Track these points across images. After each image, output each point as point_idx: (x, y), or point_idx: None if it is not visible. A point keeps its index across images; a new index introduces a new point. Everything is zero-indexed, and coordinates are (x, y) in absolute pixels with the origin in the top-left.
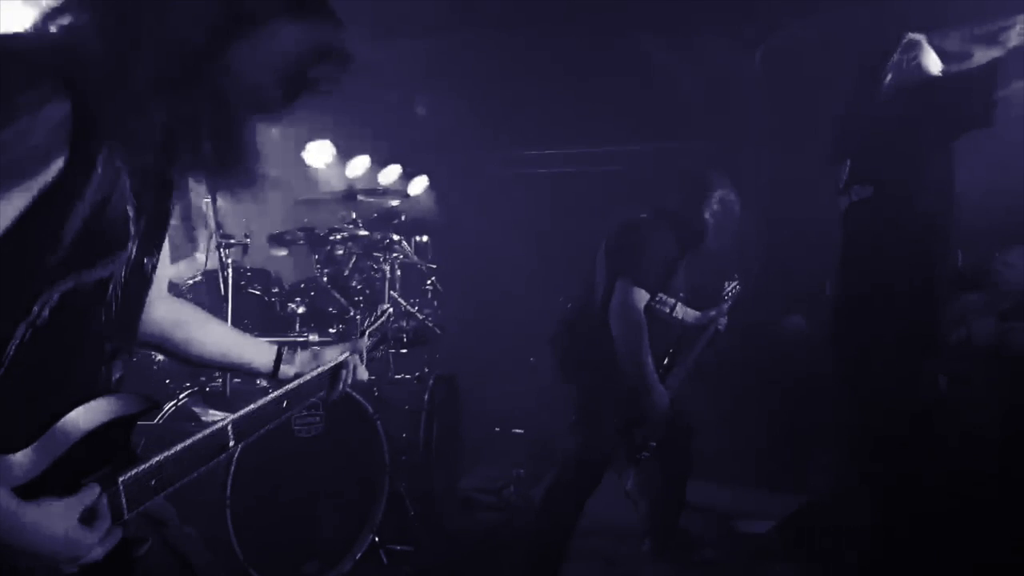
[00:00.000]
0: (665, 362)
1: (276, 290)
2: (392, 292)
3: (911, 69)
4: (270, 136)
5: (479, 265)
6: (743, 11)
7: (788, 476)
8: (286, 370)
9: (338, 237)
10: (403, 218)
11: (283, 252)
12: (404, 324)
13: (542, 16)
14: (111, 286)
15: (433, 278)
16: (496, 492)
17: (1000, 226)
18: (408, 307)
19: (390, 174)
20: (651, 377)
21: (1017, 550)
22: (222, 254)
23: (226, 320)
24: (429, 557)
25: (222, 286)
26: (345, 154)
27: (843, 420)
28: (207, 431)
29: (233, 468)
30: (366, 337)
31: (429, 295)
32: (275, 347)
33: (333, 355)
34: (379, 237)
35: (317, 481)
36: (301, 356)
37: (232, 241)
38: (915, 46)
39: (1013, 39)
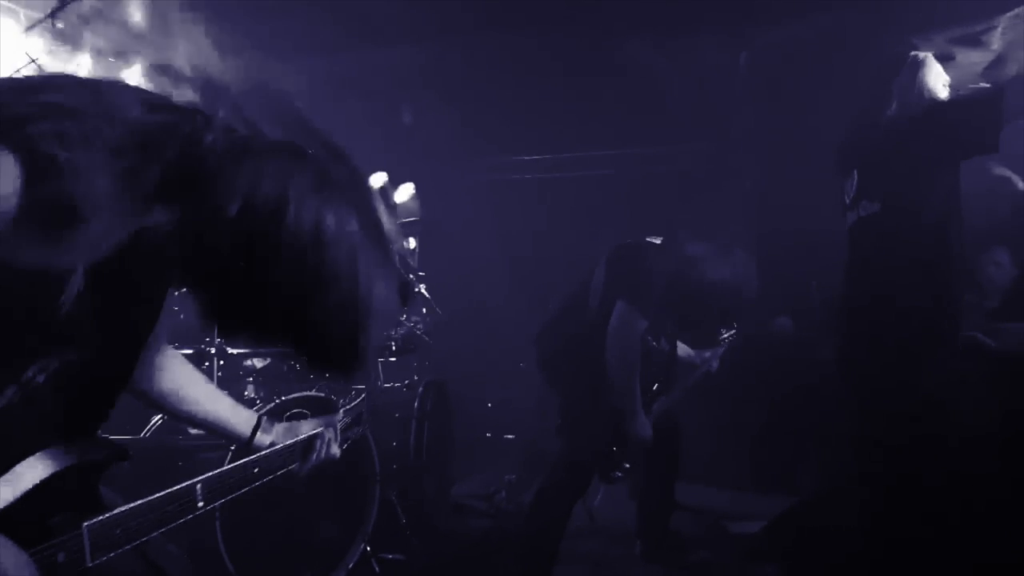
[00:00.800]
0: (654, 389)
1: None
2: None
3: (917, 88)
4: None
5: (468, 271)
6: (733, 13)
7: (779, 477)
8: (262, 439)
9: None
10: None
11: None
12: (393, 332)
13: (529, 20)
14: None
15: (422, 285)
16: (487, 498)
17: (981, 226)
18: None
19: (375, 181)
20: (636, 403)
21: (1013, 550)
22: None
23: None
24: (421, 565)
25: None
26: None
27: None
28: (175, 489)
29: (230, 453)
30: (341, 414)
31: (417, 303)
32: (255, 416)
33: (308, 429)
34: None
35: (307, 491)
36: (278, 427)
37: None
38: (921, 64)
39: (995, 41)
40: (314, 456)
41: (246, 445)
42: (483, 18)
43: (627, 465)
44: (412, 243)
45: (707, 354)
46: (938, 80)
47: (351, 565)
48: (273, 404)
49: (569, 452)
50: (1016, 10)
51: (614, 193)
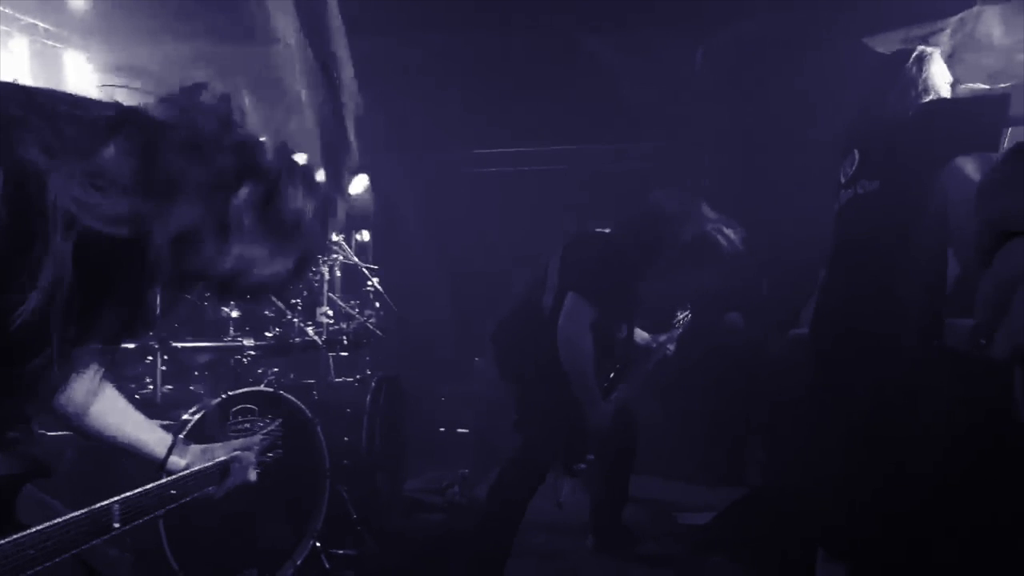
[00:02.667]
0: (611, 378)
1: (208, 293)
2: (331, 294)
3: (924, 80)
4: None
5: (423, 265)
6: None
7: (729, 470)
8: (176, 461)
9: None
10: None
11: None
12: (344, 326)
13: (488, 15)
14: None
15: (376, 279)
16: (441, 492)
17: None
18: (348, 309)
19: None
20: (594, 392)
21: (965, 543)
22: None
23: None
24: (373, 560)
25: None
26: None
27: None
28: (91, 509)
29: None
30: (258, 437)
31: (371, 296)
32: (169, 437)
33: (224, 453)
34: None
35: (255, 488)
36: (193, 449)
37: None
38: (927, 59)
39: (943, 42)
40: (230, 480)
41: (159, 467)
42: (441, 11)
43: (590, 456)
44: (366, 236)
45: (663, 338)
46: (943, 76)
47: (300, 562)
48: (219, 400)
49: (526, 447)
50: (961, 13)
51: (570, 189)
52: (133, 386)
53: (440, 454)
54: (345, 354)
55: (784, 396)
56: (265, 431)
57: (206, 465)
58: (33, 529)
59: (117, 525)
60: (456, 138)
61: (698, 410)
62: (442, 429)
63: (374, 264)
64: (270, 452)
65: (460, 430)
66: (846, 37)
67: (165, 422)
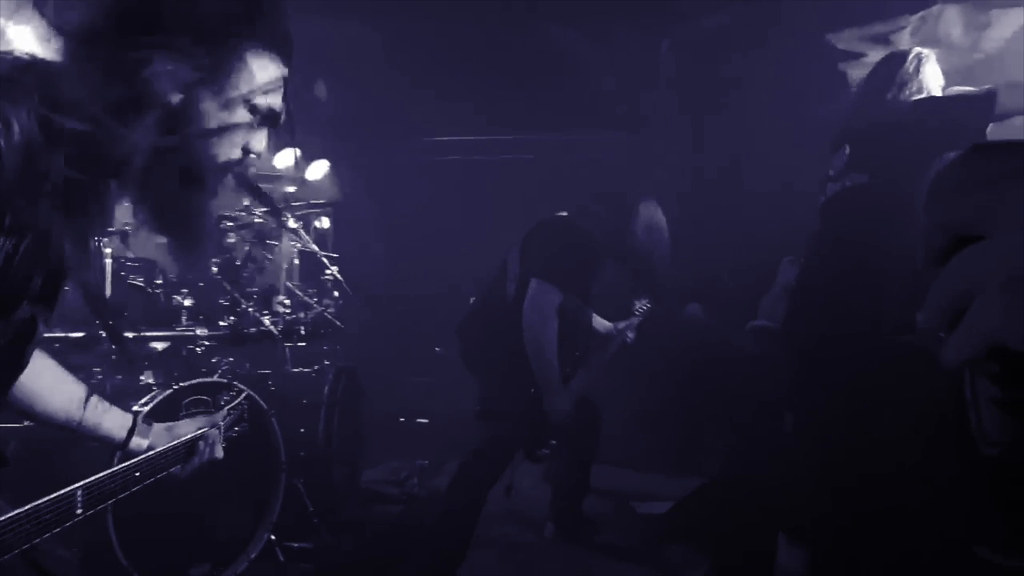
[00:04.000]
0: (572, 365)
1: (160, 281)
2: (289, 283)
3: (919, 80)
4: None
5: (383, 253)
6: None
7: (688, 460)
8: (138, 442)
9: (230, 224)
10: (301, 204)
11: None
12: (302, 316)
13: (454, 3)
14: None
15: (335, 268)
16: (399, 484)
17: None
18: (306, 298)
19: (286, 158)
20: (556, 378)
21: (927, 540)
22: (100, 242)
23: (105, 315)
24: (329, 553)
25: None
26: None
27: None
28: (53, 496)
29: (126, 457)
30: (224, 412)
31: (329, 285)
32: (129, 417)
33: (190, 429)
34: (274, 225)
35: (209, 480)
36: (156, 428)
37: (111, 228)
38: (922, 59)
39: (903, 41)
40: (197, 459)
41: (121, 449)
42: None
43: (553, 442)
44: (326, 223)
45: (622, 325)
46: (936, 79)
47: (254, 555)
48: (171, 391)
49: (487, 440)
50: (922, 12)
51: (533, 178)
52: (82, 375)
53: (399, 444)
54: (303, 344)
55: (746, 386)
56: (230, 405)
57: (170, 444)
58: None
59: (80, 511)
60: (419, 126)
61: (660, 399)
62: (402, 419)
63: (334, 252)
64: (236, 427)
65: (420, 420)
66: (808, 32)
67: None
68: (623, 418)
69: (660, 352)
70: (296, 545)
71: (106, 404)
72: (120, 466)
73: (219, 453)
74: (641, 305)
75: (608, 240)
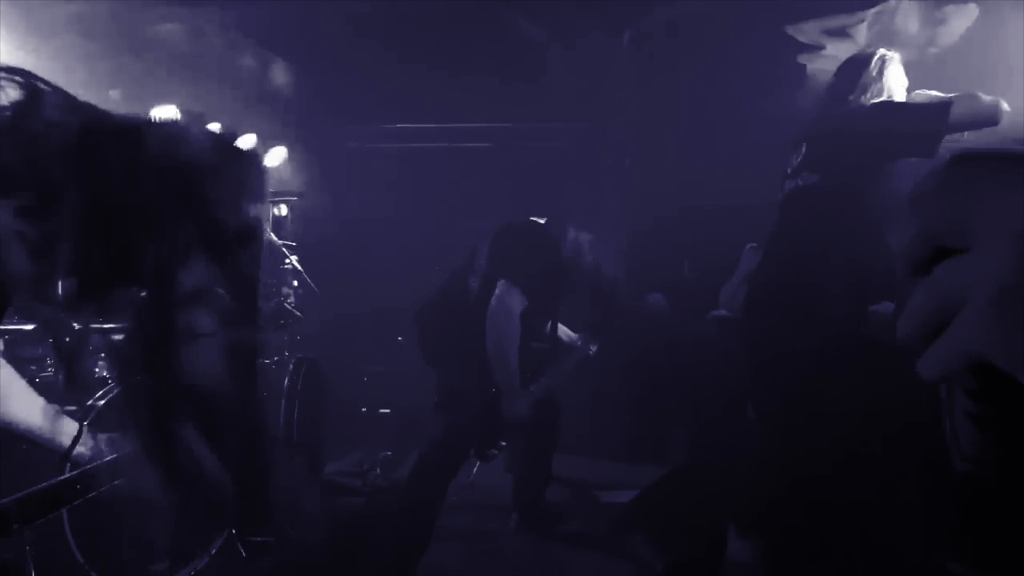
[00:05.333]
0: (532, 371)
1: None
2: None
3: (881, 82)
4: (108, 97)
5: (342, 241)
6: None
7: (652, 448)
8: (82, 452)
9: None
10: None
11: None
12: (260, 307)
13: None
14: None
15: (294, 257)
16: (362, 476)
17: None
18: (265, 288)
19: (243, 144)
20: (515, 381)
21: (888, 531)
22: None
23: (61, 344)
24: (291, 546)
25: None
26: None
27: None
28: None
29: (70, 466)
30: None
31: (288, 274)
32: (75, 427)
33: None
34: None
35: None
36: (102, 438)
37: None
38: (886, 61)
39: (861, 35)
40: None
41: (64, 458)
42: None
43: (503, 443)
44: (284, 211)
45: (586, 337)
46: (899, 81)
47: (214, 551)
48: (127, 385)
49: (446, 430)
50: (879, 6)
51: (493, 166)
52: (33, 368)
53: (361, 435)
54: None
55: (709, 376)
56: None
57: (115, 456)
58: None
59: (16, 527)
60: (378, 113)
61: (623, 387)
62: (364, 409)
63: (292, 240)
64: None
65: (382, 410)
66: (767, 25)
67: (69, 407)
68: (586, 407)
69: (621, 341)
70: (258, 539)
71: (51, 408)
72: (58, 479)
73: None
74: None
75: (575, 252)
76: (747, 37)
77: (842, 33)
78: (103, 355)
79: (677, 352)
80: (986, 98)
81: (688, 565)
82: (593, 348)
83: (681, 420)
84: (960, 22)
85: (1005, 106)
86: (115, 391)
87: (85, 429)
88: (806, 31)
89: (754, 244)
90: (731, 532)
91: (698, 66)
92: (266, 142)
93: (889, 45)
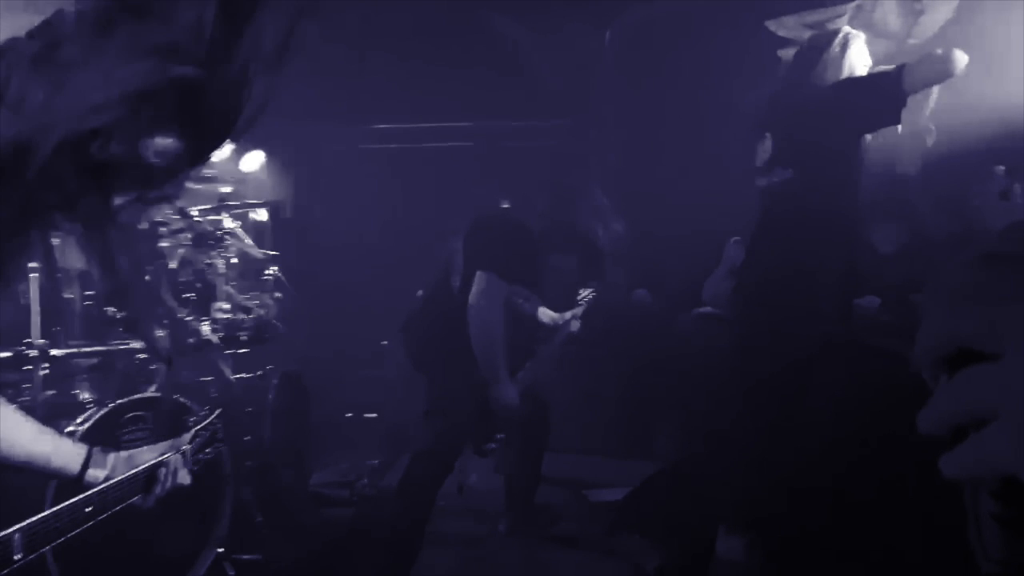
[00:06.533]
0: (519, 357)
1: (92, 292)
2: (227, 287)
3: (843, 62)
4: None
5: (324, 246)
6: None
7: (640, 443)
8: (94, 474)
9: (163, 229)
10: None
11: None
12: (243, 319)
13: None
14: None
15: (275, 267)
16: (349, 486)
17: None
18: (246, 301)
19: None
20: (502, 371)
21: (870, 523)
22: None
23: (35, 330)
24: (280, 562)
25: (29, 290)
26: None
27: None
28: None
29: (53, 487)
30: (191, 435)
31: (270, 285)
32: (84, 448)
33: (151, 456)
34: (210, 227)
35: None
36: (114, 458)
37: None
38: (849, 40)
39: (842, 26)
40: (159, 487)
41: (76, 482)
42: None
43: (500, 436)
44: (263, 216)
45: (568, 315)
46: (860, 59)
47: (202, 572)
48: (107, 409)
49: (435, 438)
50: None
51: (475, 166)
52: (11, 391)
53: (347, 441)
54: (245, 351)
55: (693, 372)
56: (200, 427)
57: (126, 475)
58: None
59: (19, 556)
60: (359, 114)
61: (610, 384)
62: (349, 414)
63: (273, 249)
64: (208, 448)
65: (368, 415)
66: (749, 19)
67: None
68: (574, 405)
69: (607, 337)
70: (246, 557)
71: (56, 435)
72: (69, 502)
73: (184, 479)
74: (585, 294)
75: (552, 231)
76: (727, 32)
77: (822, 27)
78: (81, 376)
79: (664, 349)
80: (938, 52)
81: (678, 563)
82: (576, 325)
83: (668, 414)
84: (939, 14)
85: (960, 57)
86: (98, 414)
87: (96, 451)
88: (786, 25)
89: (737, 238)
90: (721, 530)
91: (679, 62)
92: (243, 146)
93: (871, 38)
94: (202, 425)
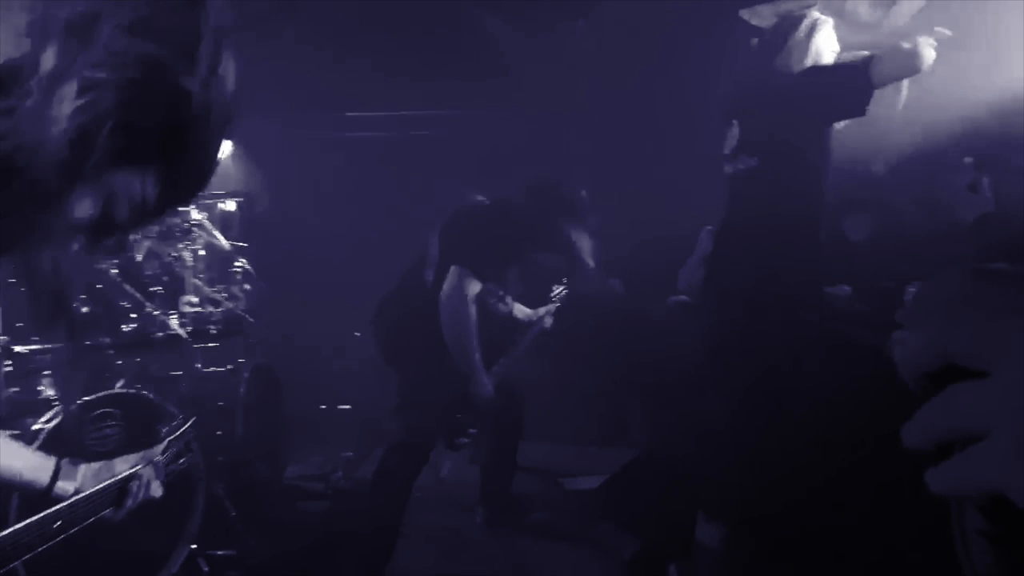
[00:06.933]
0: (493, 352)
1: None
2: (195, 280)
3: (809, 48)
4: None
5: (294, 237)
6: None
7: (614, 432)
8: (64, 487)
9: None
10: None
11: None
12: (212, 312)
13: None
14: None
15: (243, 260)
16: (324, 479)
17: None
18: (214, 295)
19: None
20: (476, 365)
21: (848, 510)
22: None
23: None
24: (255, 557)
25: None
26: None
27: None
28: None
29: (16, 499)
30: (163, 445)
31: (239, 277)
32: (52, 460)
33: (124, 468)
34: (177, 219)
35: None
36: (84, 470)
37: None
38: (817, 25)
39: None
40: (130, 500)
41: (44, 495)
42: None
43: (472, 430)
44: (231, 206)
45: (541, 311)
46: (828, 45)
47: (175, 570)
48: (77, 406)
49: (408, 431)
50: None
51: (449, 156)
52: None
53: (321, 433)
54: (215, 344)
55: (668, 360)
56: (170, 437)
57: (98, 487)
58: None
59: None
60: (330, 102)
61: (585, 373)
62: (323, 406)
63: (241, 240)
64: (181, 459)
65: (341, 407)
66: (722, 8)
67: (11, 432)
68: (549, 393)
69: (581, 326)
70: (220, 553)
71: (22, 447)
72: (36, 517)
73: (156, 492)
74: (559, 291)
75: (528, 224)
76: (701, 21)
77: (793, 15)
78: (46, 373)
79: (638, 337)
80: (906, 46)
81: (656, 551)
82: (549, 321)
83: (644, 405)
84: (911, 3)
85: (927, 51)
86: (62, 413)
87: (65, 463)
88: (757, 14)
89: (710, 227)
90: (700, 516)
91: (653, 52)
92: None
93: (843, 26)
94: (175, 435)
